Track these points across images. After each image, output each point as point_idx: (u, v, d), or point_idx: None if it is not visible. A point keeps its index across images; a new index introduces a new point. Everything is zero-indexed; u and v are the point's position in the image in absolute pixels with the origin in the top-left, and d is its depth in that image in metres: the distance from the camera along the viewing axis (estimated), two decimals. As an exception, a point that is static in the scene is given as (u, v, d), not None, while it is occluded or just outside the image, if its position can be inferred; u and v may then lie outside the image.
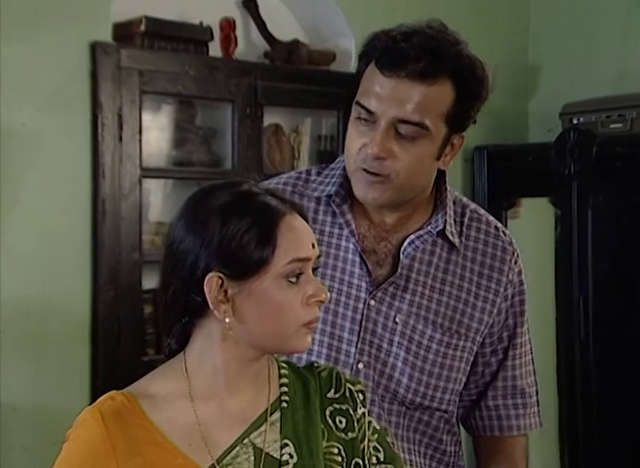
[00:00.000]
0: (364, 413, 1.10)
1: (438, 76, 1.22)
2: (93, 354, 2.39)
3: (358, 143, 1.25)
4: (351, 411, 1.08)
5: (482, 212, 1.40)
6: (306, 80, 2.81)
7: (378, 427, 1.11)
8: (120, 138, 2.41)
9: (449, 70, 1.23)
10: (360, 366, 1.30)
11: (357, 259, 1.32)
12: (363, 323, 1.31)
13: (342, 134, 2.91)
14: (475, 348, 1.35)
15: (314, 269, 1.03)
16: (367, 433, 1.09)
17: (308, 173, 1.41)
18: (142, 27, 2.48)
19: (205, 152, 2.74)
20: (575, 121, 2.93)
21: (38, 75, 2.31)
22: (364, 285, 1.32)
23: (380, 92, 1.22)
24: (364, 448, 1.08)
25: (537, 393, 1.42)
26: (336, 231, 1.34)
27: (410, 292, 1.32)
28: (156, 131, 2.64)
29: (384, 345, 1.31)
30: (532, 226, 3.01)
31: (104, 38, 2.42)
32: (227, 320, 0.99)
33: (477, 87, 1.27)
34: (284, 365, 1.10)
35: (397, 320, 1.31)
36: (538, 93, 3.40)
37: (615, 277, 2.77)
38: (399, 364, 1.30)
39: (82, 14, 2.38)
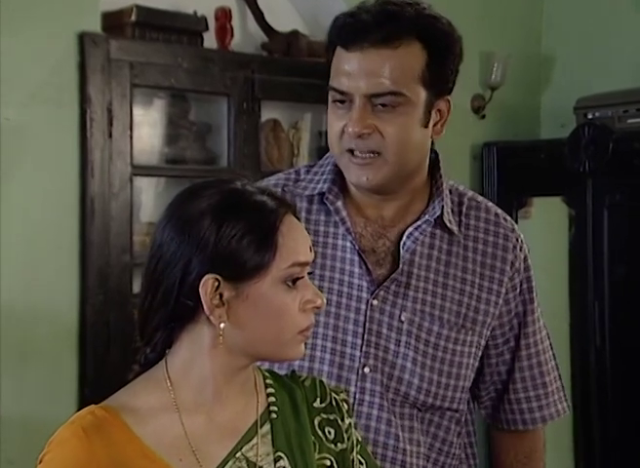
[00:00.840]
0: (350, 424, 1.10)
1: (402, 38, 1.23)
2: (80, 361, 2.38)
3: (338, 127, 1.26)
4: (339, 422, 1.09)
5: (480, 199, 1.40)
6: (306, 73, 2.80)
7: (359, 439, 1.12)
8: (110, 134, 2.41)
9: (413, 30, 1.24)
10: (366, 370, 1.31)
11: (356, 258, 1.32)
12: (367, 324, 1.31)
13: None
14: (483, 342, 1.36)
15: (308, 273, 1.03)
16: (354, 444, 1.09)
17: (297, 173, 1.42)
18: (133, 17, 2.47)
19: (199, 149, 2.74)
20: (590, 116, 2.92)
21: (23, 67, 2.31)
22: (365, 284, 1.32)
23: (348, 69, 1.24)
24: (353, 460, 1.08)
25: (559, 377, 1.44)
26: (331, 230, 1.34)
27: (413, 288, 1.32)
28: (148, 126, 2.63)
29: (391, 346, 1.31)
30: (544, 227, 3.00)
31: (93, 28, 2.42)
32: (222, 325, 0.98)
33: (447, 42, 1.28)
34: (267, 374, 1.09)
35: (403, 318, 1.31)
36: (551, 85, 3.39)
37: (632, 280, 2.76)
38: (408, 365, 1.30)
39: (69, 2, 2.37)
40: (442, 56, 1.26)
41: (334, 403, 1.10)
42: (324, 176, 1.36)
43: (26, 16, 2.31)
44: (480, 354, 1.36)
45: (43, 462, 0.97)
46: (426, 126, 1.28)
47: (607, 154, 2.77)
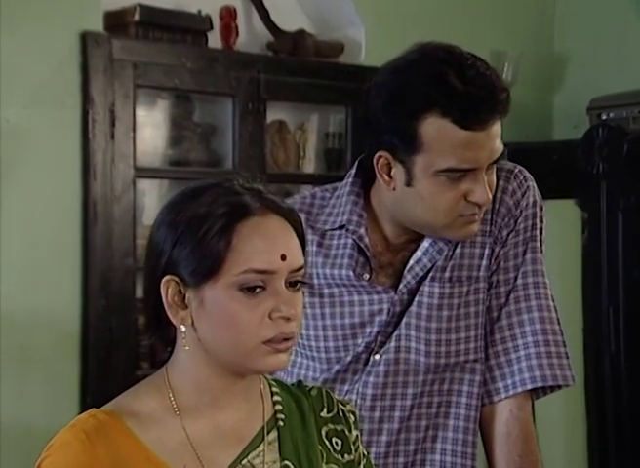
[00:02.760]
0: (357, 436, 1.10)
1: (509, 99, 1.28)
2: (82, 368, 2.38)
3: (455, 196, 1.27)
4: (347, 432, 1.08)
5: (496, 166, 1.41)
6: (313, 73, 2.80)
7: (365, 453, 1.12)
8: (112, 136, 2.41)
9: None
10: (377, 356, 1.36)
11: (365, 283, 1.37)
12: (387, 318, 1.36)
13: (351, 131, 2.92)
14: (486, 285, 1.37)
15: (295, 284, 0.99)
16: (361, 456, 1.10)
17: (313, 196, 1.44)
18: (136, 16, 2.48)
19: (203, 151, 2.74)
20: (604, 116, 2.91)
21: (23, 68, 2.31)
22: (383, 292, 1.37)
23: (475, 147, 1.24)
24: None
25: (558, 343, 1.36)
26: (344, 251, 1.39)
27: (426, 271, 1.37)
28: (151, 127, 2.64)
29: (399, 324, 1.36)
30: (557, 230, 2.96)
31: (95, 28, 2.42)
32: (183, 328, 0.98)
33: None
34: (273, 382, 1.09)
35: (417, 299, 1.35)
36: (563, 85, 3.38)
37: (647, 285, 2.76)
38: (412, 332, 1.34)
39: (71, 1, 2.38)
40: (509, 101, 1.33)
41: (341, 413, 1.09)
42: (342, 208, 1.39)
43: (27, 15, 2.32)
44: (487, 298, 1.37)
45: (42, 466, 0.96)
46: None
47: (621, 156, 2.76)
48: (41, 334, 2.34)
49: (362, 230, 1.36)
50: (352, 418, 1.11)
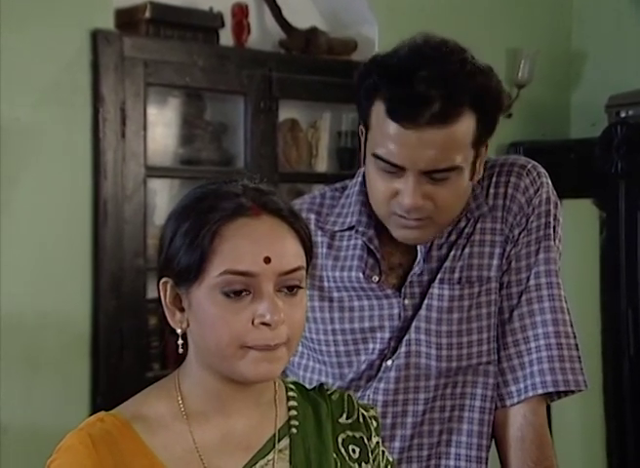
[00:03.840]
0: (378, 443, 1.08)
1: (459, 112, 1.21)
2: (93, 369, 2.38)
3: (386, 190, 1.26)
4: (365, 440, 1.07)
5: (506, 160, 1.39)
6: (325, 71, 2.80)
7: (390, 459, 1.10)
8: (123, 135, 2.42)
9: (467, 99, 1.21)
10: (389, 362, 1.34)
11: (375, 286, 1.36)
12: (399, 324, 1.35)
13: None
14: (498, 286, 1.35)
15: (291, 288, 0.97)
16: (380, 464, 1.08)
17: (323, 196, 1.43)
18: (147, 14, 2.48)
19: (215, 150, 2.74)
20: (623, 114, 2.89)
21: (34, 66, 2.32)
22: (390, 292, 1.36)
23: (402, 144, 1.21)
24: None
25: (571, 346, 1.34)
26: (353, 253, 1.38)
27: (433, 273, 1.36)
28: (162, 126, 2.64)
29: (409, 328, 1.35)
30: (574, 230, 2.96)
31: (106, 25, 2.42)
32: (178, 330, 0.98)
33: (497, 102, 1.27)
34: (292, 386, 1.07)
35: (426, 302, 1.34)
36: (581, 82, 3.36)
37: (667, 286, 2.74)
38: (422, 336, 1.33)
39: (82, -1, 2.39)
40: (491, 114, 1.26)
41: (361, 419, 1.08)
42: (351, 209, 1.38)
43: (38, 13, 2.32)
44: (499, 299, 1.35)
45: None
46: (472, 178, 1.30)
47: (640, 154, 2.75)
48: (51, 335, 2.34)
49: (371, 231, 1.35)
50: (374, 424, 1.09)
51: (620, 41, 3.23)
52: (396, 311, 1.34)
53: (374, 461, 1.06)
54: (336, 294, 1.37)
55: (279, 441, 1.01)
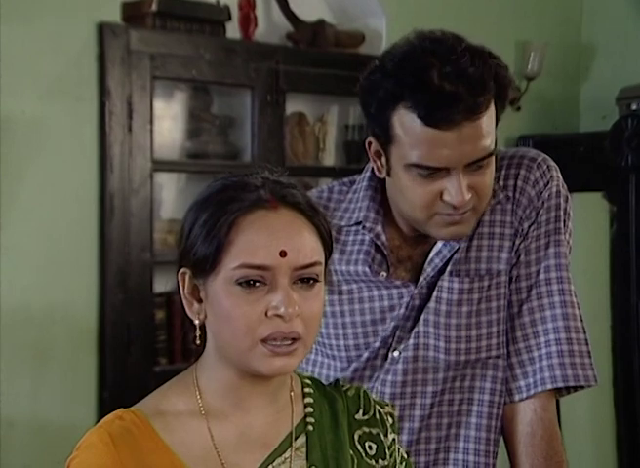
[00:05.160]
0: (394, 440, 1.08)
1: (488, 100, 1.23)
2: (100, 364, 2.39)
3: (429, 194, 1.25)
4: (382, 436, 1.06)
5: (516, 153, 1.39)
6: (333, 64, 2.79)
7: (405, 456, 1.10)
8: (129, 128, 2.42)
9: (492, 90, 1.24)
10: (395, 353, 1.34)
11: (382, 278, 1.36)
12: (405, 313, 1.35)
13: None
14: (507, 279, 1.35)
15: (308, 280, 0.96)
16: (397, 461, 1.07)
17: (330, 191, 1.43)
18: (154, 6, 2.48)
19: (221, 143, 2.74)
20: (633, 107, 2.88)
21: (40, 59, 2.32)
22: (401, 285, 1.36)
23: (442, 146, 1.21)
24: None
25: (581, 341, 1.34)
26: (359, 247, 1.38)
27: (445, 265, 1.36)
28: (169, 120, 2.64)
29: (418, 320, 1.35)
30: (584, 224, 2.95)
31: (113, 18, 2.43)
32: (196, 322, 0.98)
33: (507, 76, 1.28)
34: (308, 382, 1.07)
35: (435, 294, 1.34)
36: (591, 75, 3.35)
37: (678, 280, 2.73)
38: (431, 329, 1.33)
39: (88, -8, 2.39)
40: (505, 91, 1.28)
41: (377, 416, 1.07)
42: (359, 204, 1.38)
43: (44, 6, 2.32)
44: (509, 293, 1.35)
45: (71, 466, 0.97)
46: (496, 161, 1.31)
47: (651, 147, 2.73)
48: (58, 330, 2.35)
49: (379, 227, 1.35)
50: (390, 421, 1.08)
51: (630, 33, 3.22)
52: (405, 300, 1.34)
53: (390, 457, 1.06)
54: (345, 287, 1.37)
55: (296, 438, 1.01)
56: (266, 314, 0.94)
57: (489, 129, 1.24)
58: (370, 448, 1.05)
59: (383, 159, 1.28)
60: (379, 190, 1.36)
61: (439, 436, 1.35)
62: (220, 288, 0.95)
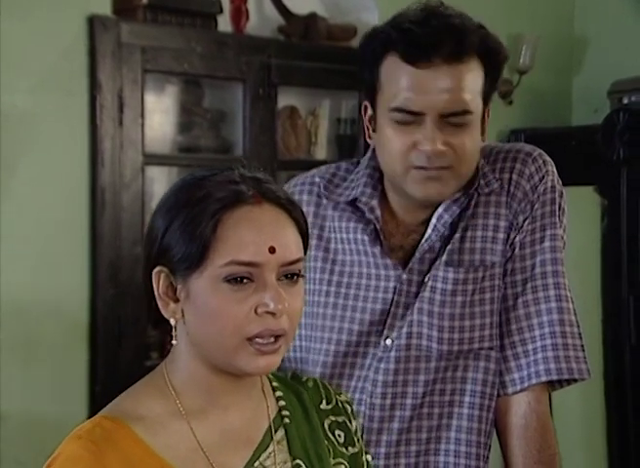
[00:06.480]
0: (357, 427, 1.09)
1: (469, 53, 1.27)
2: (91, 358, 2.39)
3: (404, 144, 1.29)
4: (348, 424, 1.07)
5: (512, 147, 1.41)
6: (325, 58, 2.79)
7: (363, 447, 1.11)
8: (120, 122, 2.41)
9: (475, 46, 1.28)
10: (388, 341, 1.35)
11: (377, 251, 1.38)
12: (395, 297, 1.36)
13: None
14: (502, 271, 1.36)
15: (291, 277, 0.96)
16: (363, 449, 1.09)
17: (338, 168, 1.46)
18: (145, -1, 2.48)
19: (213, 137, 2.74)
20: (625, 100, 2.88)
21: (30, 52, 2.31)
22: (390, 266, 1.37)
23: (419, 88, 1.26)
24: (363, 464, 1.07)
25: (575, 335, 1.35)
26: (359, 237, 1.39)
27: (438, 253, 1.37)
28: (160, 113, 2.64)
29: (411, 307, 1.36)
30: (575, 218, 2.94)
31: (103, 11, 2.42)
32: (172, 321, 0.96)
33: (500, 58, 1.33)
34: (271, 376, 1.07)
35: (426, 279, 1.35)
36: (583, 68, 3.35)
37: (669, 274, 2.74)
38: (425, 318, 1.34)
39: (78, -16, 2.38)
40: (495, 70, 1.32)
41: (340, 404, 1.08)
42: (358, 182, 1.40)
43: (34, -2, 2.32)
44: (503, 286, 1.36)
45: None
46: (483, 134, 1.34)
47: (642, 141, 2.74)
48: (49, 324, 2.34)
49: (374, 202, 1.37)
50: (349, 408, 1.10)
51: (622, 27, 3.22)
52: (392, 284, 1.36)
53: (357, 443, 1.08)
54: (340, 257, 1.38)
55: (275, 432, 1.01)
56: (256, 311, 0.93)
57: (470, 85, 1.27)
58: (339, 436, 1.06)
59: (373, 123, 1.33)
60: (377, 169, 1.39)
61: (430, 425, 1.36)
62: (206, 286, 0.94)
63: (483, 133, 1.33)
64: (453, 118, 1.26)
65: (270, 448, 1.00)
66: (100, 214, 2.39)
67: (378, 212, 1.36)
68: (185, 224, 0.94)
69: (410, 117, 1.27)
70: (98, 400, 2.33)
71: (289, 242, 0.96)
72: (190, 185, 0.98)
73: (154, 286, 0.97)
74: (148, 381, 1.00)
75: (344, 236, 1.39)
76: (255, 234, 0.94)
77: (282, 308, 0.94)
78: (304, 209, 1.24)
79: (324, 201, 1.41)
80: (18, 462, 2.29)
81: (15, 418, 2.30)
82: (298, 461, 1.00)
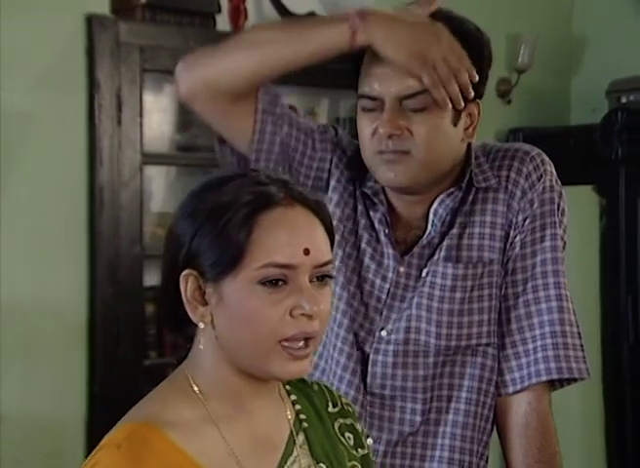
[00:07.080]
0: (362, 429, 1.09)
1: None
2: (89, 358, 2.38)
3: (369, 130, 1.33)
4: (355, 426, 1.08)
5: (508, 146, 1.42)
6: (324, 56, 2.79)
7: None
8: (119, 121, 2.41)
9: None
10: (384, 333, 1.37)
11: (383, 239, 1.40)
12: (391, 289, 1.37)
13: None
14: (501, 269, 1.36)
15: (321, 278, 0.96)
16: (369, 451, 1.09)
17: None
18: (143, -2, 2.48)
19: (211, 136, 2.73)
20: (623, 100, 2.89)
21: (27, 51, 2.31)
22: (391, 252, 1.39)
23: (377, 73, 1.31)
24: (372, 466, 1.08)
25: (574, 335, 1.35)
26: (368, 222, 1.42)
27: (437, 248, 1.38)
28: (158, 113, 2.63)
29: (407, 298, 1.37)
30: (574, 217, 2.94)
31: (101, 10, 2.42)
32: (202, 325, 0.95)
33: (476, 45, 1.33)
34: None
35: (423, 273, 1.37)
36: (581, 68, 3.36)
37: (667, 273, 2.75)
38: (423, 313, 1.35)
39: (76, -17, 2.38)
40: (479, 62, 1.32)
41: (345, 407, 1.08)
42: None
43: (32, -3, 2.32)
44: (502, 282, 1.37)
45: None
46: (456, 124, 1.33)
47: (641, 140, 2.75)
48: (47, 323, 2.34)
49: (378, 186, 1.39)
50: (351, 410, 1.10)
51: (620, 26, 3.23)
52: (390, 275, 1.37)
53: (366, 445, 1.08)
54: (348, 250, 1.40)
55: (296, 436, 1.01)
56: (291, 314, 0.93)
57: None
58: (349, 438, 1.06)
59: None
60: None
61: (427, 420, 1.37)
62: (240, 289, 0.93)
63: (456, 123, 1.32)
64: (410, 101, 1.29)
65: (295, 453, 1.00)
66: (99, 213, 2.39)
67: (382, 196, 1.39)
68: (218, 229, 0.93)
69: (371, 103, 1.31)
70: (96, 399, 2.33)
71: (320, 243, 0.96)
72: (213, 189, 0.96)
73: (182, 289, 0.95)
74: (172, 386, 0.99)
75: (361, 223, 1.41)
76: (289, 236, 0.94)
77: (317, 310, 0.94)
78: None
79: (336, 173, 1.45)
80: (16, 461, 2.29)
81: (14, 417, 2.29)
82: (321, 465, 1.00)
